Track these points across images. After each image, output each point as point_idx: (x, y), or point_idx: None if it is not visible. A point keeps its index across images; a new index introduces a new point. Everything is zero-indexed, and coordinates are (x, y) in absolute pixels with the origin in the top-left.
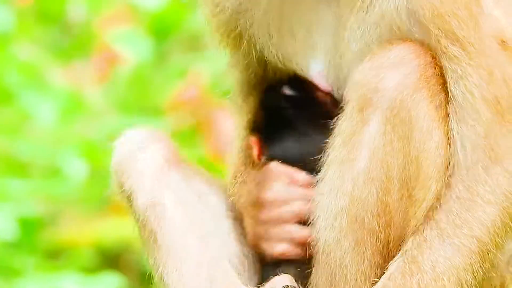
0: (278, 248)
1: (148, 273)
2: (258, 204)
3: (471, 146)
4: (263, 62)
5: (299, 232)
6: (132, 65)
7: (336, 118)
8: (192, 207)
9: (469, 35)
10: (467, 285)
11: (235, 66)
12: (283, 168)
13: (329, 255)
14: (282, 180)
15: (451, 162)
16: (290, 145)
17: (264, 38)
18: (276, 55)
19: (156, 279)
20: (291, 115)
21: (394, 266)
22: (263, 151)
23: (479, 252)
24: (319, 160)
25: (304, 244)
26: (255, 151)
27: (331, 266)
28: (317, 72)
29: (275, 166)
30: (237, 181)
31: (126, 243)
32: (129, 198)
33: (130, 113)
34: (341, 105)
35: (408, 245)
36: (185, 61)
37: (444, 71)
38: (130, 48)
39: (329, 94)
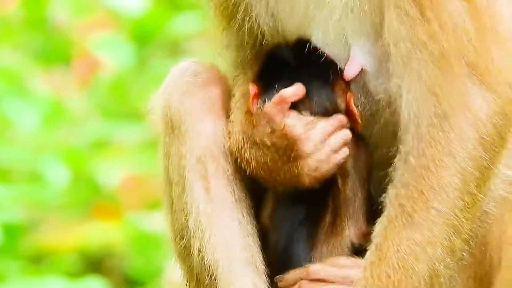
0: (339, 157)
1: (130, 277)
2: (293, 144)
3: (417, 107)
4: (255, 36)
5: (344, 133)
6: (114, 71)
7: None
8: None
9: None
10: (438, 260)
11: (229, 46)
12: (273, 100)
13: None
14: (284, 109)
15: (401, 129)
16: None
17: (262, 8)
18: (274, 26)
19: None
20: (293, 69)
21: (367, 254)
22: (259, 97)
23: (442, 223)
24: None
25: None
26: (251, 97)
27: None
28: (318, 42)
29: (267, 105)
30: (244, 149)
31: (109, 247)
32: (180, 131)
33: (112, 118)
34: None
35: (376, 229)
36: (166, 66)
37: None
38: (112, 54)
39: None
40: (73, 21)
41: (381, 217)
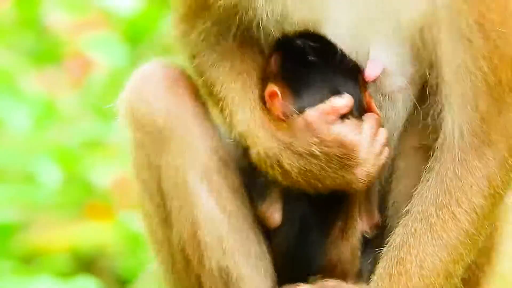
0: (384, 157)
1: (122, 277)
2: (351, 152)
3: (467, 133)
4: (247, 27)
5: (383, 132)
6: (106, 71)
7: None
8: None
9: (496, 17)
10: (457, 276)
11: (204, 33)
12: (319, 109)
13: None
14: (334, 118)
15: (436, 147)
16: (318, 93)
17: (269, 4)
18: (280, 17)
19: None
20: (319, 68)
21: (383, 263)
22: (288, 103)
23: (468, 243)
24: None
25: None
26: (277, 100)
27: None
28: (331, 37)
29: (313, 114)
30: (281, 157)
31: (101, 248)
32: (174, 143)
33: (104, 118)
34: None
35: (396, 239)
36: None
37: (438, 60)
38: (104, 53)
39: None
40: (65, 20)
41: (401, 229)
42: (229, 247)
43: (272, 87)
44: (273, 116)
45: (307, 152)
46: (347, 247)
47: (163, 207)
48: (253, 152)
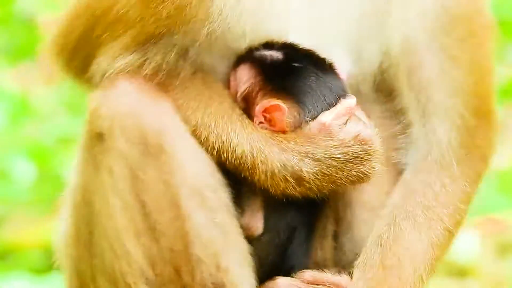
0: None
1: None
2: (371, 147)
3: (456, 143)
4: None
5: (372, 123)
6: None
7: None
8: None
9: (481, 31)
10: (435, 272)
11: (165, 50)
12: (334, 112)
13: None
14: (344, 120)
15: (424, 155)
16: (324, 97)
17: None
18: (247, 32)
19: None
20: (302, 70)
21: (369, 253)
22: (294, 113)
23: (449, 242)
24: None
25: None
26: (284, 114)
27: None
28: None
29: (329, 118)
30: (298, 167)
31: None
32: (164, 157)
33: (79, 115)
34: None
35: (383, 233)
36: None
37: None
38: None
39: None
40: (40, 16)
41: (385, 228)
42: (224, 263)
43: (272, 101)
44: (275, 130)
45: (328, 156)
46: (328, 245)
47: (143, 220)
48: (263, 170)
